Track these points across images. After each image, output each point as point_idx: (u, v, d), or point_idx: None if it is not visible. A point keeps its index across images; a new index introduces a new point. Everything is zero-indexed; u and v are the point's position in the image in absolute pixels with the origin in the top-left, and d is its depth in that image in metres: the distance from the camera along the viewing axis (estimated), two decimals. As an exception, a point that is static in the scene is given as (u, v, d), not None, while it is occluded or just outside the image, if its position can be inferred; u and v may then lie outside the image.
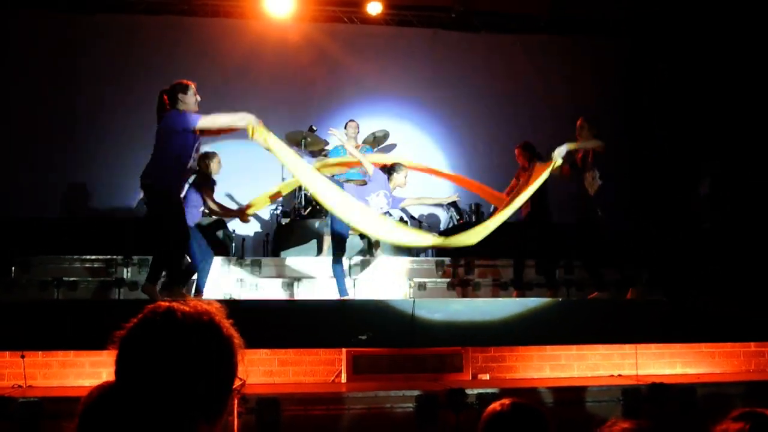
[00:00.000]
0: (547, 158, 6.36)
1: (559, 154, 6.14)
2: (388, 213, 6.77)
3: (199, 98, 5.68)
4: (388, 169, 6.53)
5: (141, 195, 8.67)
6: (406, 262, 8.08)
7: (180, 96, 5.54)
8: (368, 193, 6.38)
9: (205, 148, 6.46)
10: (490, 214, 9.40)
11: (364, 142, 9.29)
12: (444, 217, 10.09)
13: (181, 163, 5.53)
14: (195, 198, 6.52)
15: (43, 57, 9.92)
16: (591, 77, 10.93)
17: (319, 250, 8.33)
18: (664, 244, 8.08)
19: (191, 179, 6.40)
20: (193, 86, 5.64)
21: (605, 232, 6.36)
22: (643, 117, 10.67)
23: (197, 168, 6.09)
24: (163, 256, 5.63)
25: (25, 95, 9.83)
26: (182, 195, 6.03)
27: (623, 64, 11.10)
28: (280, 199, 8.95)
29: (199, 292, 6.45)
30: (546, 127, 9.54)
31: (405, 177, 6.54)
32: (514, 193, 6.52)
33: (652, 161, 9.89)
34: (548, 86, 10.81)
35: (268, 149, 5.54)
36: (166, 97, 5.61)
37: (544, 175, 6.13)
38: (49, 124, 9.79)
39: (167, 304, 1.37)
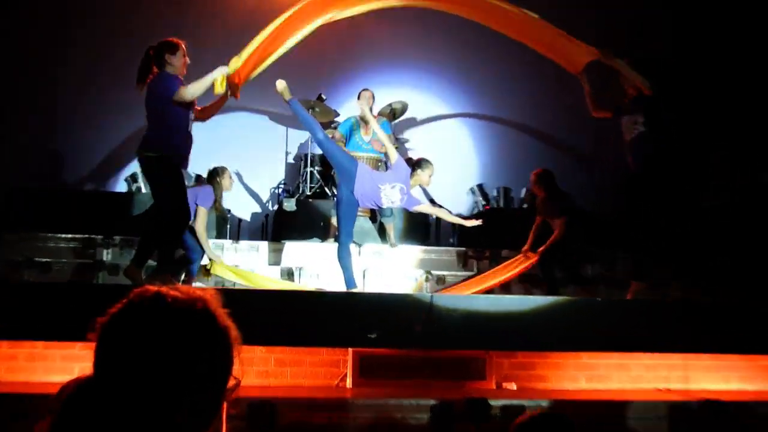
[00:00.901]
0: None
1: None
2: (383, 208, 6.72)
3: (188, 60, 5.66)
4: (414, 163, 6.47)
5: (134, 173, 8.74)
6: (423, 251, 8.07)
7: (167, 57, 5.53)
8: (383, 181, 6.32)
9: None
10: (523, 198, 9.42)
11: (380, 114, 9.24)
12: (468, 201, 10.06)
13: (182, 130, 5.54)
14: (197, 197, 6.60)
15: (25, 19, 9.90)
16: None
17: (325, 236, 8.33)
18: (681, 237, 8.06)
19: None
20: (182, 46, 5.62)
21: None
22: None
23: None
24: (159, 234, 5.63)
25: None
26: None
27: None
28: (282, 180, 8.95)
29: (190, 277, 6.49)
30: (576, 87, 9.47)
31: (430, 177, 6.48)
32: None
33: (660, 146, 9.89)
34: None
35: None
36: (152, 54, 5.60)
37: None
38: (27, 85, 9.78)
39: (156, 288, 1.35)
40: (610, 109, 6.67)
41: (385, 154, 7.19)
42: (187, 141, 5.68)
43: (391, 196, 6.30)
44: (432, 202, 8.93)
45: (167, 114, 5.48)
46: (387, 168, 8.27)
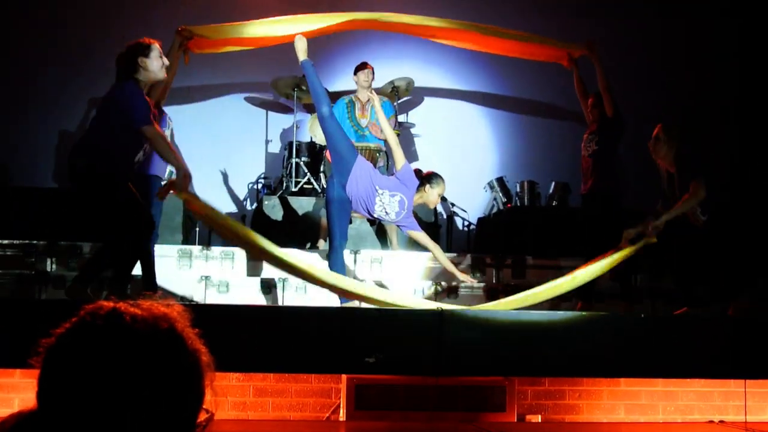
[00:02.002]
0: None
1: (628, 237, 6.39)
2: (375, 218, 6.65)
3: (166, 62, 5.68)
4: (423, 177, 6.46)
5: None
6: (431, 258, 8.08)
7: (140, 60, 5.53)
8: (383, 185, 6.30)
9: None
10: (552, 194, 9.43)
11: (381, 93, 9.26)
12: (486, 198, 10.08)
13: (131, 148, 5.57)
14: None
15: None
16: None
17: (314, 240, 8.34)
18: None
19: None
20: (157, 46, 5.63)
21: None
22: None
23: None
24: (106, 253, 5.66)
25: None
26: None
27: None
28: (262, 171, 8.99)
29: (150, 289, 6.51)
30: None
31: (438, 196, 6.48)
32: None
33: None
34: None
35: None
36: (123, 63, 5.61)
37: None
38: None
39: (112, 304, 1.36)
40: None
41: (386, 141, 7.19)
42: (131, 160, 5.68)
43: (387, 207, 6.27)
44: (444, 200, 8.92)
45: (118, 129, 5.48)
46: (388, 159, 8.28)
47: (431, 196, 6.40)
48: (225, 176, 10.09)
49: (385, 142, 7.41)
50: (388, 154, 8.04)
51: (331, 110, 6.45)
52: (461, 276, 6.64)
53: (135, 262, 6.04)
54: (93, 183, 5.53)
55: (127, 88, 5.48)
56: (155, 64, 5.56)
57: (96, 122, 5.61)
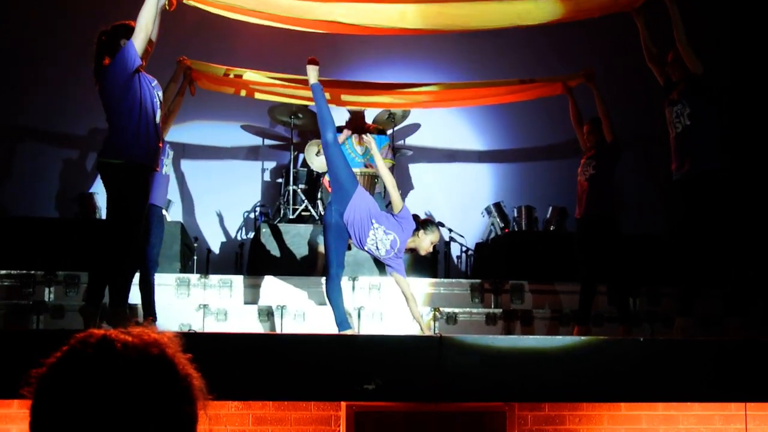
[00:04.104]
0: None
1: None
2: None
3: (150, 48, 5.70)
4: (419, 222, 6.44)
5: (82, 193, 8.79)
6: (430, 284, 8.07)
7: (123, 42, 5.55)
8: (380, 220, 6.25)
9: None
10: (549, 219, 9.45)
11: (374, 121, 9.28)
12: (483, 224, 10.07)
13: (150, 130, 5.56)
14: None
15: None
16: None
17: (312, 268, 8.33)
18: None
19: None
20: None
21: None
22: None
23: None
24: (108, 264, 5.63)
25: None
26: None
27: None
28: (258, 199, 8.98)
29: (151, 316, 6.50)
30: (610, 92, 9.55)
31: (431, 244, 6.46)
32: None
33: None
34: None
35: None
36: (105, 40, 5.62)
37: None
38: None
39: (102, 332, 1.36)
40: (662, 67, 6.61)
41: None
42: (156, 144, 5.68)
43: (379, 242, 6.22)
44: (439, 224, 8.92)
45: (128, 111, 5.48)
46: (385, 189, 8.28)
47: (424, 242, 6.36)
48: (222, 205, 10.09)
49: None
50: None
51: (335, 137, 6.42)
52: (425, 331, 6.61)
53: (130, 279, 6.03)
54: (126, 178, 5.52)
55: (112, 64, 5.50)
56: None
57: (107, 117, 5.61)
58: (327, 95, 6.75)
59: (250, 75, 7.48)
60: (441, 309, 7.64)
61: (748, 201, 9.03)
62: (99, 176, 5.83)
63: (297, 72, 7.40)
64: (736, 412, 5.83)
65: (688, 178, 6.25)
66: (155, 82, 5.79)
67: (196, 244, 8.95)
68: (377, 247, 6.25)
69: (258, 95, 7.90)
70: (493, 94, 8.16)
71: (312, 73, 6.61)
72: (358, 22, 6.53)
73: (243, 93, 7.88)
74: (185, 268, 8.47)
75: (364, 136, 6.97)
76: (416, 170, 10.69)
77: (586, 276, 7.27)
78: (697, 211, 6.22)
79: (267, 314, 7.41)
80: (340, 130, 8.26)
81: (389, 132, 9.52)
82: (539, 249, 8.80)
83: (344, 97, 7.76)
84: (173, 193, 9.35)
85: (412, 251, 6.62)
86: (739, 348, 5.78)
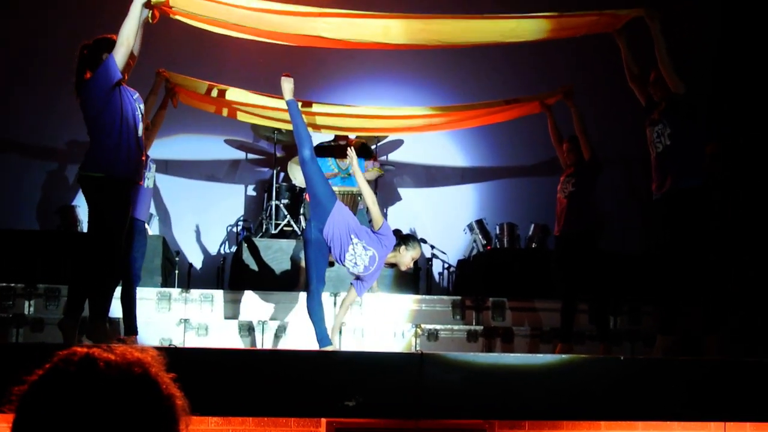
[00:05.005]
0: None
1: None
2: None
3: (131, 62, 5.70)
4: (400, 237, 6.43)
5: (65, 206, 8.77)
6: (412, 301, 8.08)
7: (104, 56, 5.54)
8: (360, 236, 6.23)
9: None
10: (531, 236, 9.48)
11: (357, 136, 9.28)
12: (465, 240, 10.09)
13: (132, 143, 5.55)
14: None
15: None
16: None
17: (294, 283, 8.32)
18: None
19: None
20: None
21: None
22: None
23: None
24: (87, 275, 5.60)
25: None
26: None
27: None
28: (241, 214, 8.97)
29: (131, 332, 6.47)
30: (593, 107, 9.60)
31: (412, 259, 6.45)
32: None
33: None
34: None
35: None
36: (87, 54, 5.61)
37: None
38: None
39: (85, 350, 1.36)
40: (643, 86, 6.57)
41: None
42: (138, 157, 5.66)
43: (357, 259, 6.20)
44: (422, 241, 8.93)
45: (109, 124, 5.47)
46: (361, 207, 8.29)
47: (405, 257, 6.35)
48: (203, 219, 10.07)
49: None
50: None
51: (312, 154, 6.38)
52: (333, 336, 6.50)
53: (111, 291, 6.00)
54: (107, 191, 5.50)
55: (94, 77, 5.49)
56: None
57: (88, 130, 5.60)
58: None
59: (232, 94, 7.40)
60: (422, 325, 7.65)
61: (744, 211, 9.06)
62: (81, 189, 5.81)
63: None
64: (716, 432, 5.85)
65: (668, 196, 6.24)
66: (137, 95, 5.78)
67: (177, 258, 8.93)
68: (355, 263, 6.23)
69: (240, 116, 7.83)
70: (473, 117, 8.15)
71: (287, 87, 6.54)
72: (342, 37, 6.51)
73: (225, 113, 7.83)
74: (166, 283, 8.44)
75: (348, 150, 6.98)
76: (399, 186, 10.70)
77: (566, 293, 7.30)
78: (678, 229, 6.22)
79: (248, 329, 7.40)
80: (322, 151, 8.30)
81: (372, 147, 9.53)
82: (521, 266, 8.83)
83: (320, 121, 7.69)
84: (156, 206, 9.34)
85: (393, 266, 6.62)
86: (718, 367, 5.81)
